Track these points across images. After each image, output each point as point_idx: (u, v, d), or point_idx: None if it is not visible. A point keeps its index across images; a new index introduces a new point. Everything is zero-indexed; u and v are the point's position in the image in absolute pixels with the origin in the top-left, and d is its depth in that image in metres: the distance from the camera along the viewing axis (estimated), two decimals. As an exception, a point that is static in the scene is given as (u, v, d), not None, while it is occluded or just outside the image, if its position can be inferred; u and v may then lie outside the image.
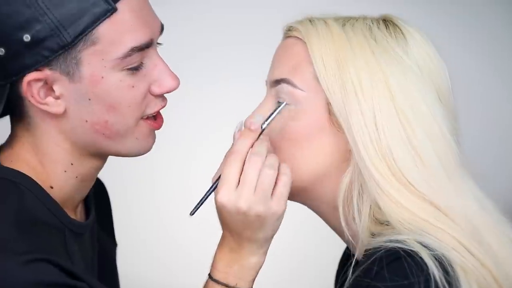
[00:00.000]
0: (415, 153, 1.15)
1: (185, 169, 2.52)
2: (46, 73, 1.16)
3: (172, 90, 1.23)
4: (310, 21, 1.23)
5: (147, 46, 1.19)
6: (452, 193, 1.16)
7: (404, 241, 1.10)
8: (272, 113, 1.20)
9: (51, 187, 1.22)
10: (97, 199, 1.37)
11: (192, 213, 1.22)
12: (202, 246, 2.49)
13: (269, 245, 1.21)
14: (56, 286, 1.10)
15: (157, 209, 2.50)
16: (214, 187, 1.19)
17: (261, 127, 1.20)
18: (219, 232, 1.22)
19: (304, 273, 2.48)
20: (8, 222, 1.13)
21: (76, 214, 1.28)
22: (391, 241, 1.10)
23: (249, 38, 2.49)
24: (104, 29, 1.16)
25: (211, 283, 1.21)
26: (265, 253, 1.21)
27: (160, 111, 1.25)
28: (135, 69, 1.19)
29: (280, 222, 1.19)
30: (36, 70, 1.16)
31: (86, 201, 1.32)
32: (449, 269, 1.08)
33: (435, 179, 1.15)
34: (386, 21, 1.22)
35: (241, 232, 1.18)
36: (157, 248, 2.51)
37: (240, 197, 1.16)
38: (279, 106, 1.20)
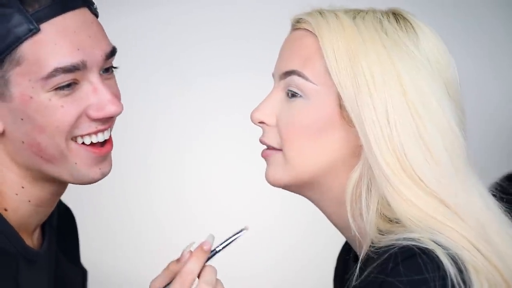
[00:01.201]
0: (426, 148, 1.15)
1: (181, 168, 2.52)
2: None
3: (111, 116, 1.22)
4: (320, 13, 1.22)
5: (76, 68, 1.18)
6: (460, 189, 1.16)
7: (418, 239, 1.09)
8: (230, 238, 1.18)
9: (5, 210, 1.22)
10: (61, 227, 1.36)
11: None
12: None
13: None
14: None
15: (153, 208, 2.50)
16: None
17: (215, 250, 1.17)
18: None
19: (308, 273, 2.48)
20: None
21: (33, 240, 1.28)
22: (404, 239, 1.10)
23: (248, 33, 2.49)
24: (27, 48, 1.16)
25: None
26: None
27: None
28: (64, 89, 1.18)
29: None
30: None
31: (44, 227, 1.31)
32: (463, 268, 1.09)
33: (444, 175, 1.15)
34: (396, 15, 1.22)
35: None
36: (153, 246, 2.51)
37: None
38: (240, 232, 1.17)
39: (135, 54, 2.32)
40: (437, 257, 1.07)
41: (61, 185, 1.26)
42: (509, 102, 2.60)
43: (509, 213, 1.20)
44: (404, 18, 1.21)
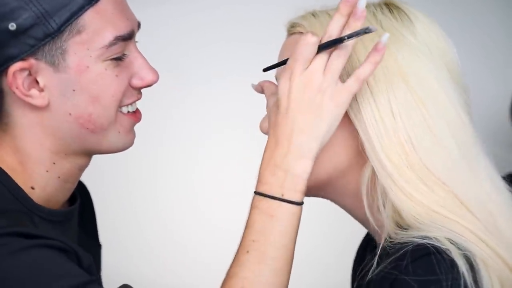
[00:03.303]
0: (433, 134, 1.14)
1: (187, 167, 2.53)
2: (31, 62, 1.17)
3: (152, 84, 1.25)
4: (312, 14, 1.21)
5: (130, 36, 1.21)
6: (469, 174, 1.15)
7: (435, 238, 1.09)
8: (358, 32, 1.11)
9: (32, 188, 1.22)
10: (80, 203, 1.35)
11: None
12: (204, 246, 2.50)
13: (316, 152, 1.13)
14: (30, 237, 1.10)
15: (159, 208, 2.50)
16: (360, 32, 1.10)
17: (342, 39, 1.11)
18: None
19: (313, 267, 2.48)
20: None
21: None
22: (421, 237, 1.09)
23: (248, 36, 2.49)
24: (89, 17, 1.18)
25: (256, 198, 1.15)
26: (313, 158, 1.13)
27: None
28: (119, 59, 1.21)
29: (335, 122, 1.14)
30: (21, 60, 1.17)
31: (71, 201, 1.31)
32: (474, 264, 1.09)
33: (453, 160, 1.14)
34: (388, 5, 1.21)
35: (296, 116, 1.12)
36: (158, 247, 2.51)
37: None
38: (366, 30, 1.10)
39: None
40: (452, 257, 1.07)
41: (89, 158, 1.27)
42: (506, 99, 2.61)
43: None
44: (397, 7, 1.20)
